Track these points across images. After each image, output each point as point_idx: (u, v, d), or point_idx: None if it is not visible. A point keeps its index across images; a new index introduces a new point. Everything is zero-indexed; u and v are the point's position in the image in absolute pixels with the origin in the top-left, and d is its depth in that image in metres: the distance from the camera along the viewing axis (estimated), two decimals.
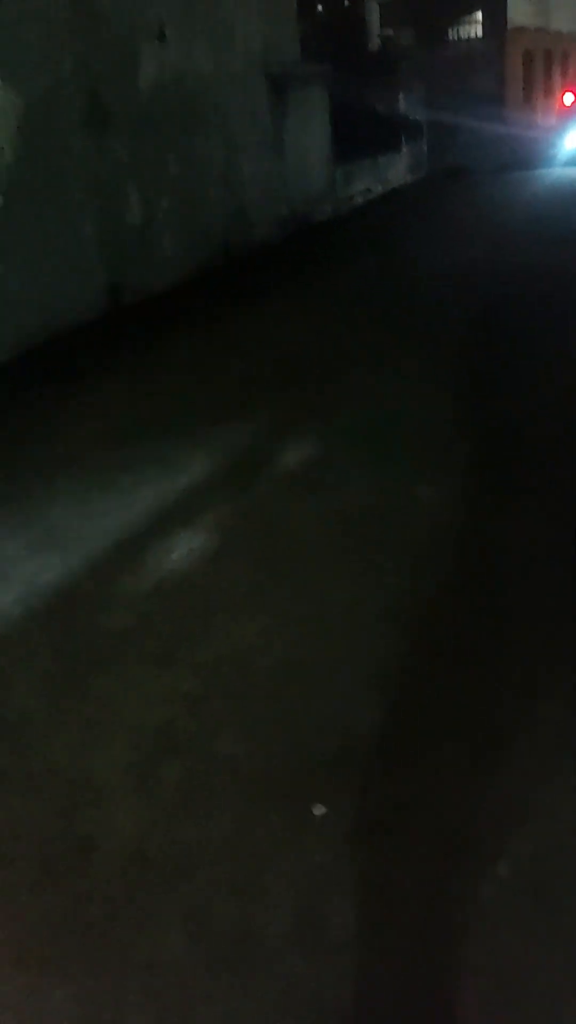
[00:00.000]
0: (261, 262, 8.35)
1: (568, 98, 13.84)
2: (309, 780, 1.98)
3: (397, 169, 13.02)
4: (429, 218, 10.16)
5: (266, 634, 2.54)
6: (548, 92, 21.57)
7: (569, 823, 1.82)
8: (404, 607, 2.63)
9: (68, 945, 1.65)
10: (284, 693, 2.28)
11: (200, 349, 5.59)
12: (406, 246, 8.52)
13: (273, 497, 3.46)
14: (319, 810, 1.88)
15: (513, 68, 19.23)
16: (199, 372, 5.10)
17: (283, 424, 4.18)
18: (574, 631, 2.43)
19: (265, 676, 2.36)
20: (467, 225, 9.30)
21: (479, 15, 21.36)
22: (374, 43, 18.15)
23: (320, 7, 21.04)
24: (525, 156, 13.42)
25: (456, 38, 21.57)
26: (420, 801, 1.90)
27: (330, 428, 4.04)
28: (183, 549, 3.05)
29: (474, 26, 21.74)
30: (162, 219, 7.26)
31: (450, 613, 2.58)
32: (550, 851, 1.76)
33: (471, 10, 21.45)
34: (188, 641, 2.54)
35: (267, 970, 1.57)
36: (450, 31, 21.96)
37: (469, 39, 20.90)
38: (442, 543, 2.99)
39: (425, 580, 2.77)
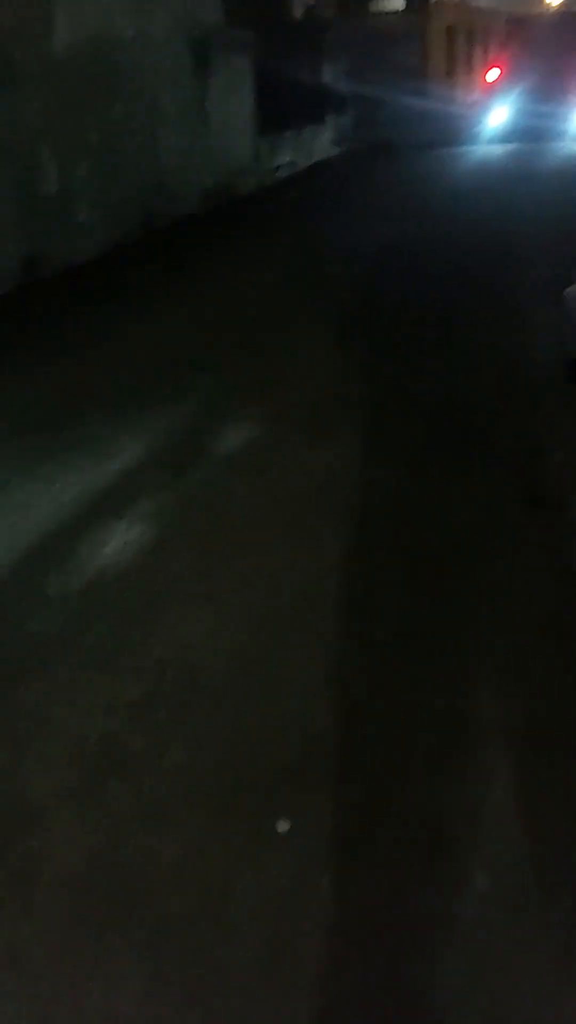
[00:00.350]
0: (184, 234, 8.06)
1: (492, 74, 13.53)
2: (270, 793, 1.83)
3: (322, 142, 12.80)
4: (355, 193, 10.01)
5: (213, 631, 2.38)
6: (470, 68, 21.60)
7: (544, 819, 1.73)
8: (356, 593, 2.50)
9: (6, 991, 1.47)
10: (237, 696, 2.13)
11: (122, 323, 5.32)
12: (332, 221, 8.35)
13: (212, 481, 3.27)
14: (283, 826, 1.74)
15: (435, 43, 19.13)
16: (122, 348, 4.84)
17: (217, 403, 3.99)
18: (525, 603, 2.35)
19: (215, 678, 2.20)
20: (393, 201, 9.18)
21: None
22: (297, 12, 17.81)
23: None
24: (449, 132, 13.22)
25: (378, 11, 21.39)
26: (389, 808, 1.78)
27: (266, 406, 3.87)
28: (118, 541, 2.85)
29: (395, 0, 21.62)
30: (80, 187, 6.89)
31: (403, 596, 2.47)
32: (524, 858, 1.67)
33: None
34: (128, 643, 2.35)
35: (231, 1010, 1.43)
36: (372, 3, 21.77)
37: (391, 13, 20.74)
38: (389, 519, 2.87)
39: (374, 561, 2.64)
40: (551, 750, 1.92)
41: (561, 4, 33.16)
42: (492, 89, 13.15)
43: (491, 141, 12.53)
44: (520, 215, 7.58)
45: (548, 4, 32.55)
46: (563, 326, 3.98)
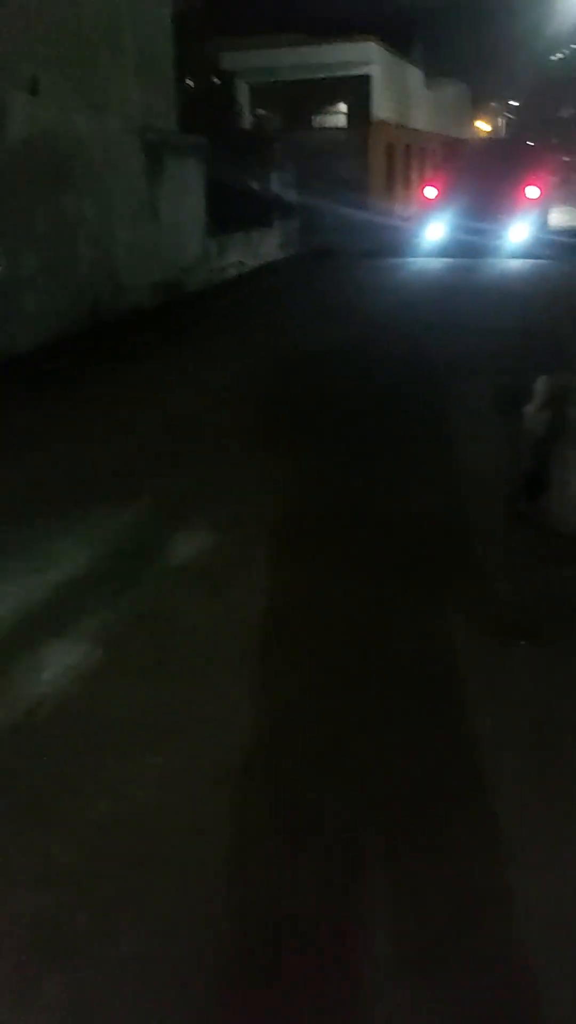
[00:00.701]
0: (132, 327, 8.03)
1: (429, 191, 13.91)
2: (234, 983, 1.58)
3: (269, 245, 13.16)
4: (300, 295, 10.22)
5: (165, 780, 2.13)
6: (407, 184, 22.89)
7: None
8: (318, 735, 2.29)
9: None
10: (193, 864, 1.88)
11: (62, 416, 5.15)
12: (275, 321, 8.46)
13: (165, 596, 3.06)
14: None
15: (376, 159, 20.26)
16: (62, 443, 4.66)
17: (167, 506, 3.82)
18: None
19: (168, 841, 1.94)
20: (337, 304, 9.39)
21: (343, 106, 22.59)
22: (247, 121, 18.66)
23: (190, 82, 21.57)
24: (387, 243, 13.76)
25: (321, 126, 22.63)
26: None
27: (220, 513, 3.71)
28: (57, 667, 2.59)
29: (339, 116, 22.94)
30: (26, 276, 6.81)
31: (373, 746, 2.27)
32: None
33: (335, 100, 22.65)
34: (67, 793, 2.08)
35: None
36: (315, 119, 23.04)
37: (335, 128, 21.95)
38: (352, 647, 2.70)
39: (338, 698, 2.45)
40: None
41: (490, 131, 35.90)
42: (430, 205, 13.57)
43: (428, 254, 12.81)
44: (457, 325, 7.81)
45: (479, 129, 35.19)
46: (517, 444, 3.98)
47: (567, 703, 2.42)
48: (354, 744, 2.28)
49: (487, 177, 13.25)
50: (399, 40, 22.36)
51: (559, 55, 14.65)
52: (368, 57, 20.04)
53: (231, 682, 2.54)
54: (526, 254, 12.37)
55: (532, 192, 13.11)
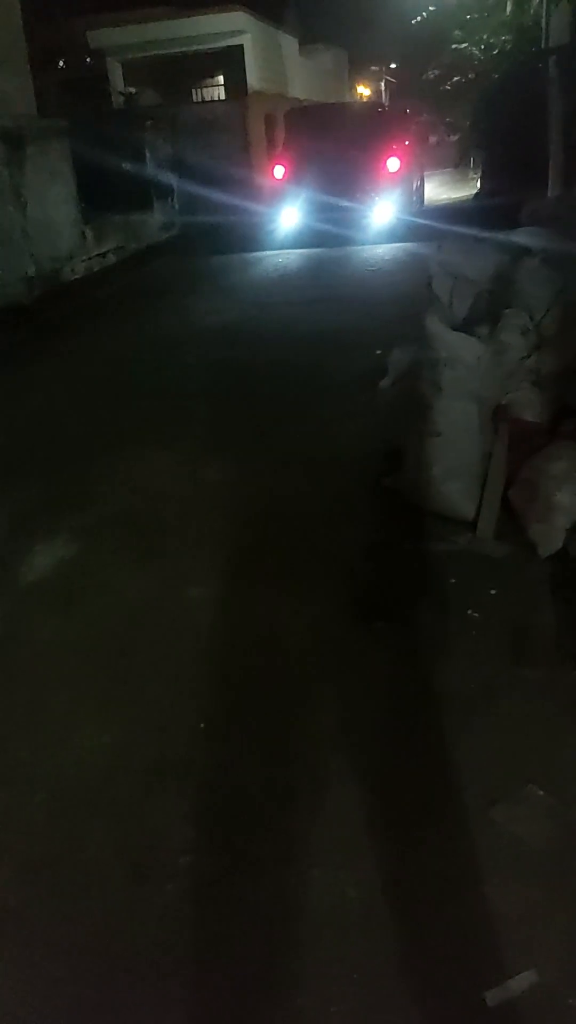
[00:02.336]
0: (3, 325, 7.74)
1: (278, 171, 11.52)
2: None
3: (151, 227, 12.85)
4: (183, 280, 10.03)
5: (4, 823, 2.06)
6: None
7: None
8: (179, 758, 2.26)
9: None
10: (37, 921, 1.82)
11: None
12: (160, 307, 8.29)
13: (15, 614, 2.96)
14: None
15: (255, 131, 20.00)
16: None
17: (26, 515, 3.69)
18: None
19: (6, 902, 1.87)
20: (221, 286, 9.26)
21: (220, 78, 22.20)
22: (119, 100, 18.13)
23: (62, 63, 20.82)
24: (251, 227, 11.98)
25: (200, 99, 22.21)
26: None
27: (83, 521, 3.61)
28: None
29: (217, 88, 22.55)
30: None
31: (237, 761, 2.25)
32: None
33: (213, 73, 22.25)
34: None
35: None
36: (194, 92, 22.60)
37: (212, 101, 21.58)
38: (218, 651, 2.67)
39: (199, 708, 2.42)
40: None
41: (370, 95, 35.72)
42: (280, 187, 11.34)
43: (283, 245, 10.92)
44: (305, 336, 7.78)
45: (360, 95, 35.11)
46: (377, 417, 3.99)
47: (412, 683, 2.44)
48: (215, 770, 2.25)
49: (339, 150, 10.92)
50: (271, 8, 22.06)
51: (419, 18, 14.68)
52: (238, 26, 19.68)
53: (83, 703, 2.48)
54: (392, 237, 10.58)
55: (393, 164, 11.05)
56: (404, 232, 10.51)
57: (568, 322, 3.41)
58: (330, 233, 10.40)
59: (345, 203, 10.47)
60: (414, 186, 12.38)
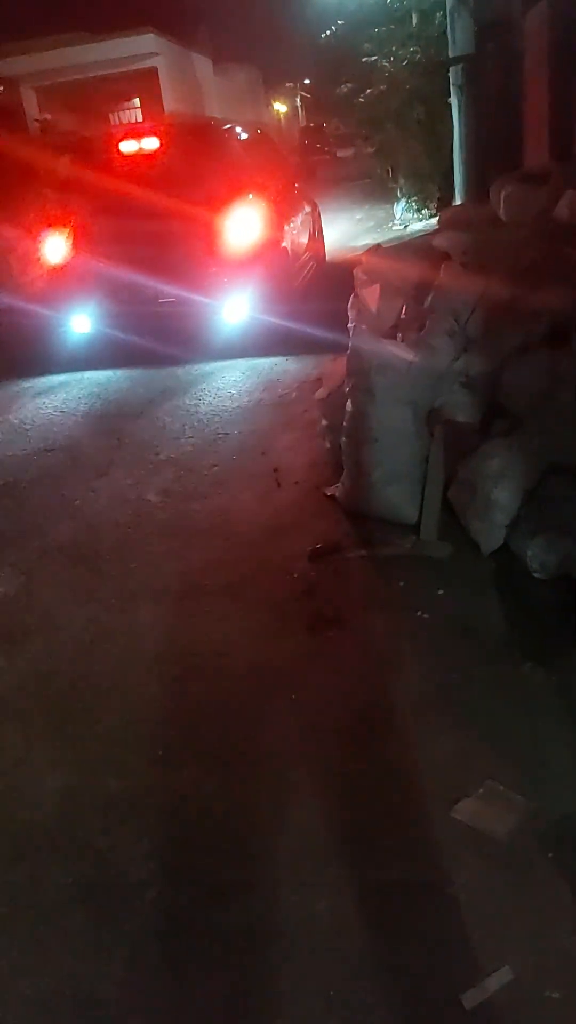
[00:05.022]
0: None
1: (53, 249, 6.26)
2: None
3: None
4: None
5: None
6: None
7: None
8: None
9: None
10: None
11: None
12: None
13: None
14: None
15: None
16: None
17: None
18: None
19: None
20: None
21: (137, 101, 22.21)
22: (32, 128, 17.99)
23: None
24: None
25: (118, 122, 22.17)
26: None
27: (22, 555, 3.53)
28: None
29: (134, 111, 22.54)
30: None
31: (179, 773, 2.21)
32: None
33: (129, 96, 22.25)
34: None
35: None
36: (111, 116, 22.54)
37: (131, 124, 21.56)
38: (172, 683, 2.62)
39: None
40: None
41: (287, 112, 35.94)
42: (63, 276, 6.25)
43: (75, 364, 6.22)
44: None
45: (277, 112, 35.46)
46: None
47: (366, 689, 2.44)
48: (150, 788, 2.21)
49: (151, 210, 5.78)
50: (183, 29, 22.20)
51: (328, 32, 14.91)
52: (150, 48, 19.78)
53: None
54: (256, 348, 5.91)
55: (244, 222, 5.93)
56: (272, 337, 5.88)
57: (491, 323, 3.48)
58: (144, 348, 5.92)
59: (168, 297, 5.88)
60: (293, 244, 6.72)
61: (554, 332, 3.30)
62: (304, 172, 8.10)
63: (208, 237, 5.83)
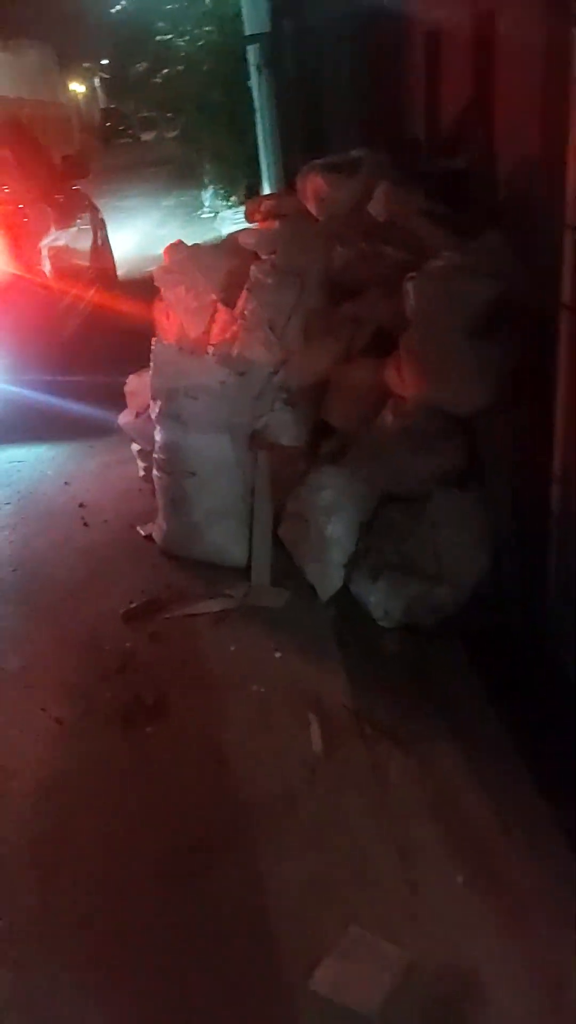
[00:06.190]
0: None
1: None
2: None
3: None
4: None
5: None
6: None
7: None
8: None
9: None
10: None
11: None
12: None
13: None
14: None
15: None
16: None
17: None
18: None
19: None
20: None
21: None
22: None
23: None
24: None
25: None
26: None
27: None
28: None
29: None
30: None
31: None
32: None
33: None
34: None
35: None
36: None
37: None
38: None
39: None
40: None
41: (84, 93, 34.32)
42: None
43: None
44: None
45: (75, 92, 33.73)
46: None
47: (190, 802, 1.99)
48: None
49: None
50: None
51: (118, 7, 14.00)
52: None
53: None
54: None
55: None
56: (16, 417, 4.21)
57: (310, 331, 3.09)
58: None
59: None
60: (58, 269, 4.76)
61: (378, 340, 2.96)
62: (78, 167, 5.79)
63: None
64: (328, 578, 2.64)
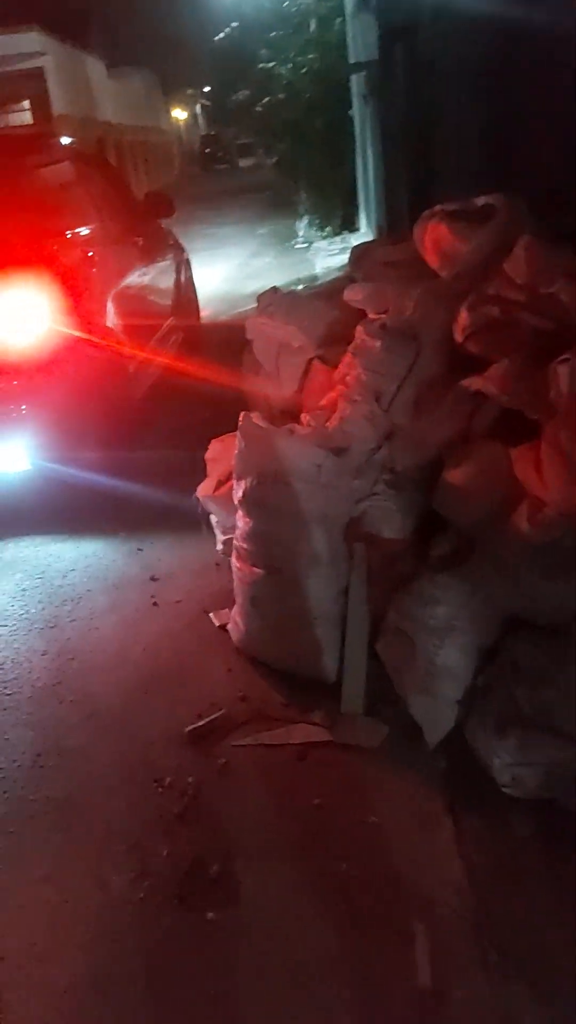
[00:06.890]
0: None
1: None
2: None
3: None
4: None
5: None
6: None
7: None
8: None
9: None
10: None
11: None
12: None
13: None
14: None
15: None
16: None
17: None
18: None
19: None
20: None
21: (26, 103, 20.84)
22: None
23: None
24: None
25: (7, 124, 20.75)
26: None
27: None
28: None
29: (24, 114, 21.15)
30: None
31: None
32: None
33: (18, 98, 20.86)
34: None
35: None
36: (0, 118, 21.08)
37: (21, 126, 20.20)
38: None
39: None
40: None
41: (185, 119, 35.10)
42: None
43: None
44: None
45: (176, 118, 34.36)
46: None
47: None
48: None
49: None
50: (74, 29, 20.97)
51: (223, 34, 13.96)
52: (36, 48, 18.50)
53: None
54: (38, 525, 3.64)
55: (13, 310, 3.30)
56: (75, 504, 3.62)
57: (423, 404, 2.63)
58: None
59: None
60: (127, 323, 4.07)
61: (505, 422, 2.48)
62: (162, 205, 5.25)
63: None
64: (438, 717, 2.17)
